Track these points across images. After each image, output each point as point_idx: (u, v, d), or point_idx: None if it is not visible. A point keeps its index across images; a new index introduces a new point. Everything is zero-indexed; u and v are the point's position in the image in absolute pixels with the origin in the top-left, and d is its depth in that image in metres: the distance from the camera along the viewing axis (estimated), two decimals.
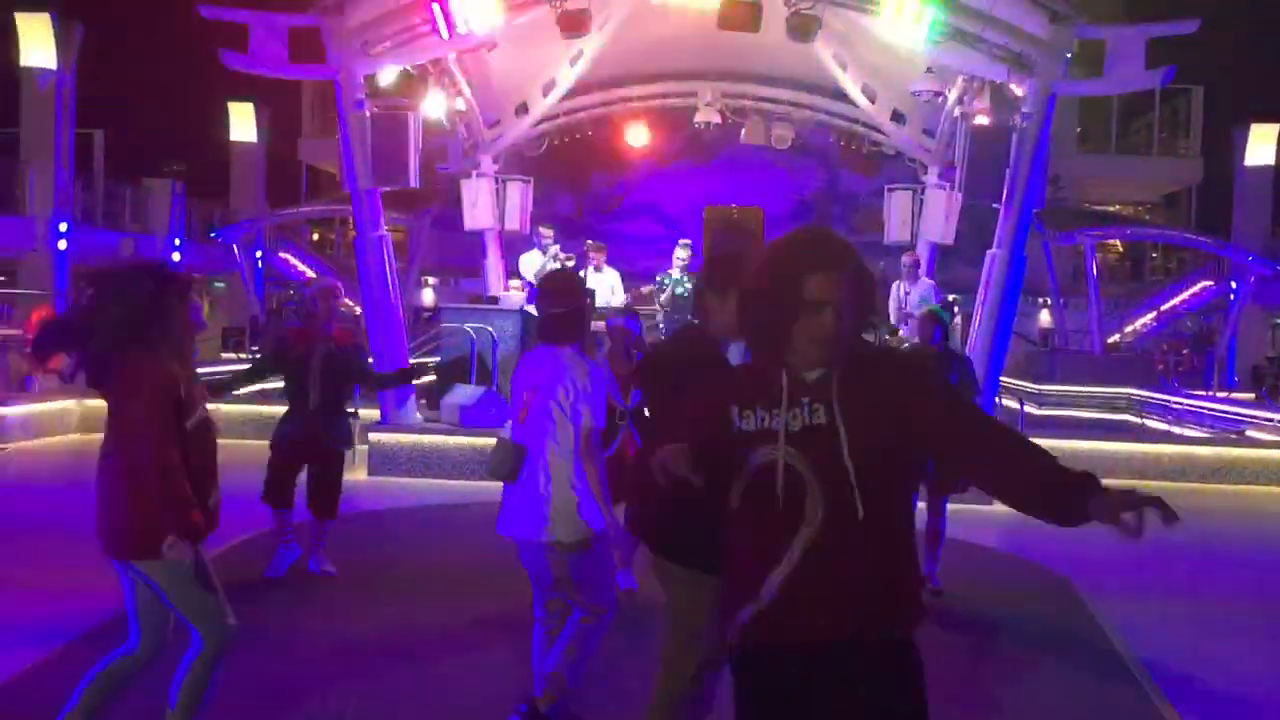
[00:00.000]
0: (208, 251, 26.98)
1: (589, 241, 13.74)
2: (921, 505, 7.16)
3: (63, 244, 21.38)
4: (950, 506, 9.42)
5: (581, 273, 14.33)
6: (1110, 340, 26.01)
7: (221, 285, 29.51)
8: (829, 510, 2.52)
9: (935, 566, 7.21)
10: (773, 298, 2.57)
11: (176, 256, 25.32)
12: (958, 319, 13.46)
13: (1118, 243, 33.10)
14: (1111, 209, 33.03)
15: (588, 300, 4.84)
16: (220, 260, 26.92)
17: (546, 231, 13.42)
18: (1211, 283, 26.61)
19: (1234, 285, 25.14)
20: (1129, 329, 27.48)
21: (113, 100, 30.86)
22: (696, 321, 3.92)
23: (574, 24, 10.71)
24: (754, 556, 2.60)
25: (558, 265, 13.13)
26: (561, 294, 4.49)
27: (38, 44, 21.05)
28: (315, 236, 35.52)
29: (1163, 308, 27.32)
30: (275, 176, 31.70)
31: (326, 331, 7.00)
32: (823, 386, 2.58)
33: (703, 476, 2.48)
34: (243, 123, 29.32)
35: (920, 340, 7.24)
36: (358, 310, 16.96)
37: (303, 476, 7.08)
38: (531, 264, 13.25)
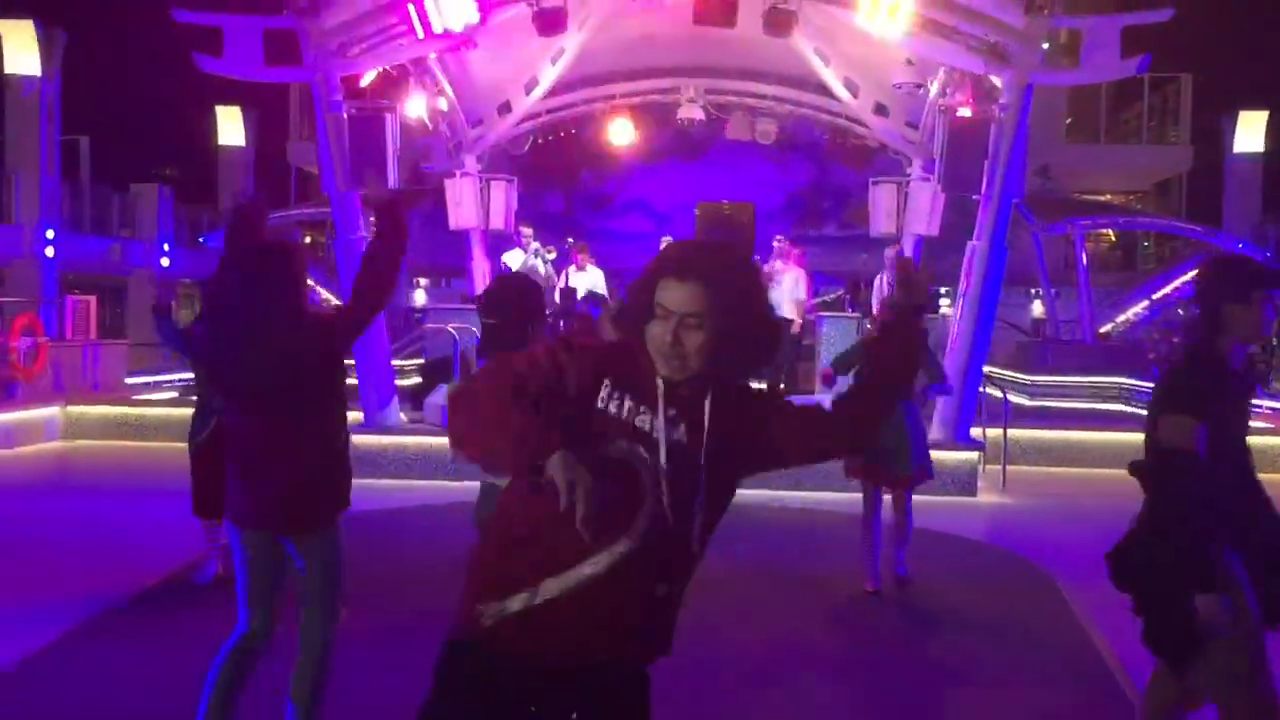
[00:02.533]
0: (197, 256, 26.93)
1: (570, 240, 13.73)
2: (886, 499, 7.15)
3: (50, 251, 21.37)
4: (935, 499, 9.49)
5: (565, 271, 14.35)
6: (1102, 330, 25.99)
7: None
8: (657, 531, 2.33)
9: (903, 553, 7.20)
10: (636, 293, 2.41)
11: (165, 262, 25.27)
12: (944, 310, 13.46)
13: (1109, 232, 33.08)
14: (1103, 198, 32.97)
15: (533, 305, 4.49)
16: (210, 265, 26.73)
17: (527, 230, 13.45)
18: None
19: None
20: (1121, 318, 27.45)
21: (99, 106, 30.82)
22: None
23: (551, 23, 10.67)
24: (542, 550, 2.33)
25: (539, 263, 13.15)
26: (494, 303, 4.33)
27: (21, 51, 21.03)
28: (307, 239, 35.47)
29: (1155, 296, 27.26)
30: (264, 179, 31.65)
31: None
32: (694, 404, 2.41)
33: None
34: (231, 127, 29.29)
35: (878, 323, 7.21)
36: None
37: None
38: (514, 263, 13.29)
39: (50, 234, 21.35)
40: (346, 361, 4.19)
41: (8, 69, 21.11)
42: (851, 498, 7.97)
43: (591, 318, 6.88)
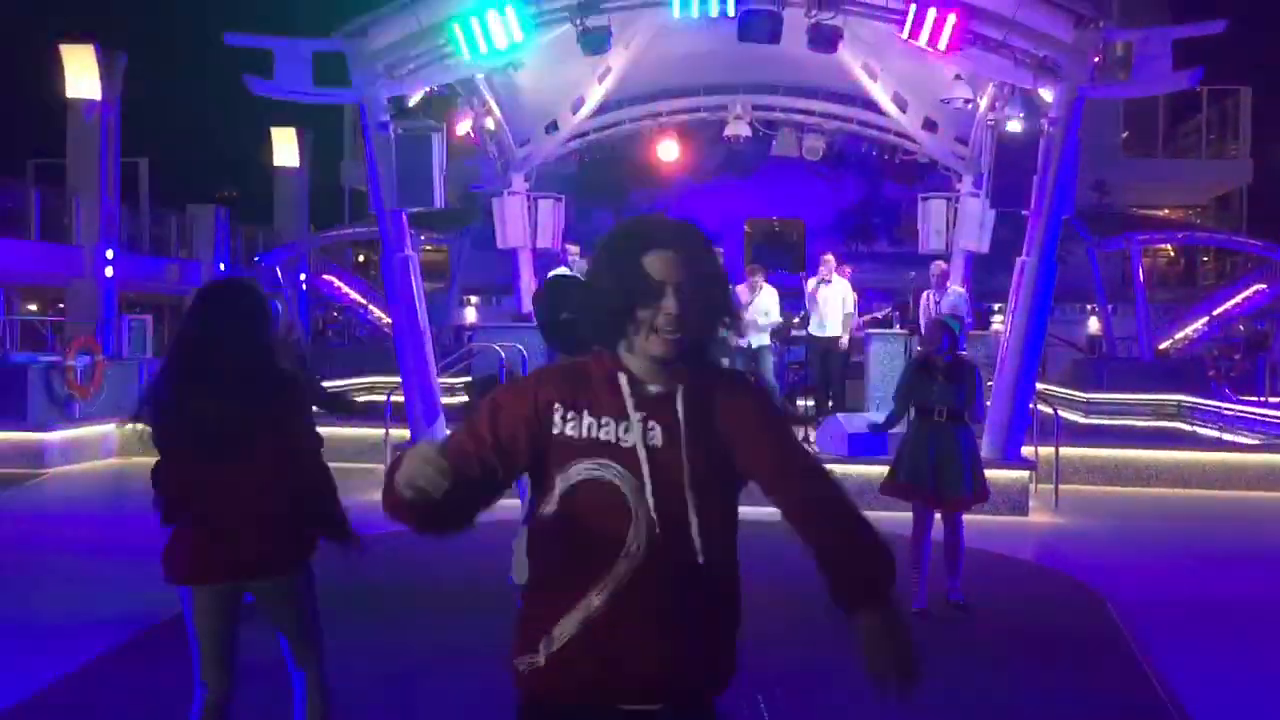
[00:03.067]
0: (252, 275, 27.32)
1: None
2: (937, 518, 7.03)
3: (109, 271, 21.74)
4: (985, 518, 9.33)
5: None
6: (1160, 346, 25.54)
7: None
8: (654, 545, 2.23)
9: (957, 581, 7.06)
10: (612, 280, 2.28)
11: None
12: (995, 326, 13.29)
13: (1168, 247, 32.54)
14: (1161, 213, 32.50)
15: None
16: (265, 284, 27.20)
17: (573, 248, 13.51)
18: (1264, 286, 26.04)
19: None
20: (1180, 335, 26.98)
21: (158, 128, 31.42)
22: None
23: (596, 42, 10.70)
24: (552, 590, 2.29)
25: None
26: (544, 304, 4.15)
27: (82, 75, 21.45)
28: (360, 258, 35.90)
29: (1215, 312, 26.76)
30: (318, 199, 32.09)
31: None
32: (665, 403, 2.30)
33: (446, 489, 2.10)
34: (285, 147, 29.68)
35: (929, 348, 7.10)
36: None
37: None
38: None
39: (110, 254, 21.73)
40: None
41: (69, 93, 21.56)
42: (894, 516, 7.86)
43: None
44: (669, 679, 2.28)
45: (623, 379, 2.31)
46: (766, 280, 13.18)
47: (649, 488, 2.25)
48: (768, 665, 5.93)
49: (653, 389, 2.31)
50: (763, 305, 12.85)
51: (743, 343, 12.73)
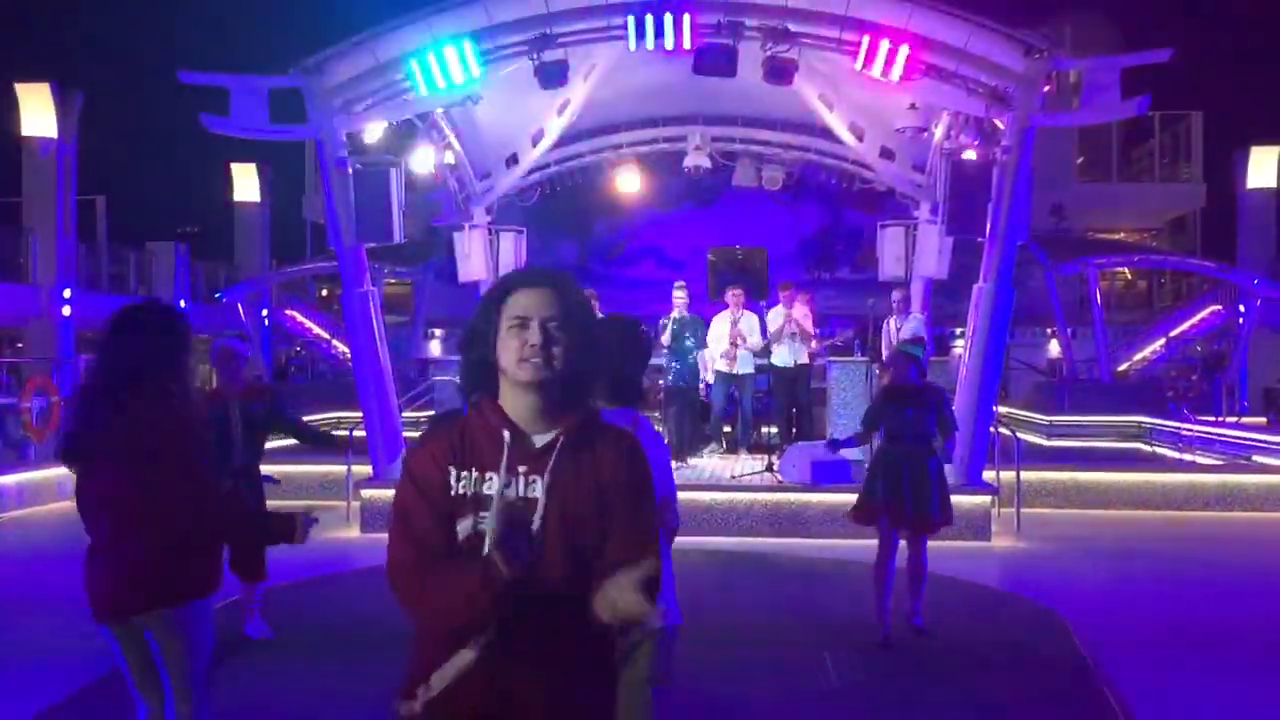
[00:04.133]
0: (213, 312, 27.11)
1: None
2: (902, 544, 7.06)
3: (67, 310, 21.53)
4: (949, 544, 9.37)
5: None
6: (1119, 368, 25.82)
7: (232, 336, 29.64)
8: (528, 596, 2.29)
9: (919, 604, 7.11)
10: (482, 322, 2.44)
11: None
12: (954, 352, 13.37)
13: (1125, 270, 32.96)
14: (1117, 237, 32.94)
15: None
16: (226, 320, 27.03)
17: None
18: (1220, 307, 26.43)
19: (1242, 309, 24.95)
20: (1138, 356, 27.29)
21: (115, 166, 31.19)
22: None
23: (553, 76, 10.73)
24: (432, 641, 2.40)
25: None
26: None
27: (38, 113, 21.32)
28: (324, 293, 35.72)
29: (1172, 334, 27.12)
30: (280, 234, 31.98)
31: (237, 390, 6.92)
32: (544, 456, 2.39)
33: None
34: (245, 183, 29.58)
35: (895, 378, 7.15)
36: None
37: None
38: None
39: (67, 293, 21.53)
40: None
41: (25, 131, 21.40)
42: (847, 544, 7.91)
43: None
44: None
45: (506, 435, 2.40)
46: (745, 305, 13.21)
47: (501, 538, 2.31)
48: (729, 699, 5.92)
49: (536, 440, 2.42)
50: (745, 329, 12.89)
51: (730, 370, 12.79)
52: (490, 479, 2.37)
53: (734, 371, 12.89)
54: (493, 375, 2.44)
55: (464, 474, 2.39)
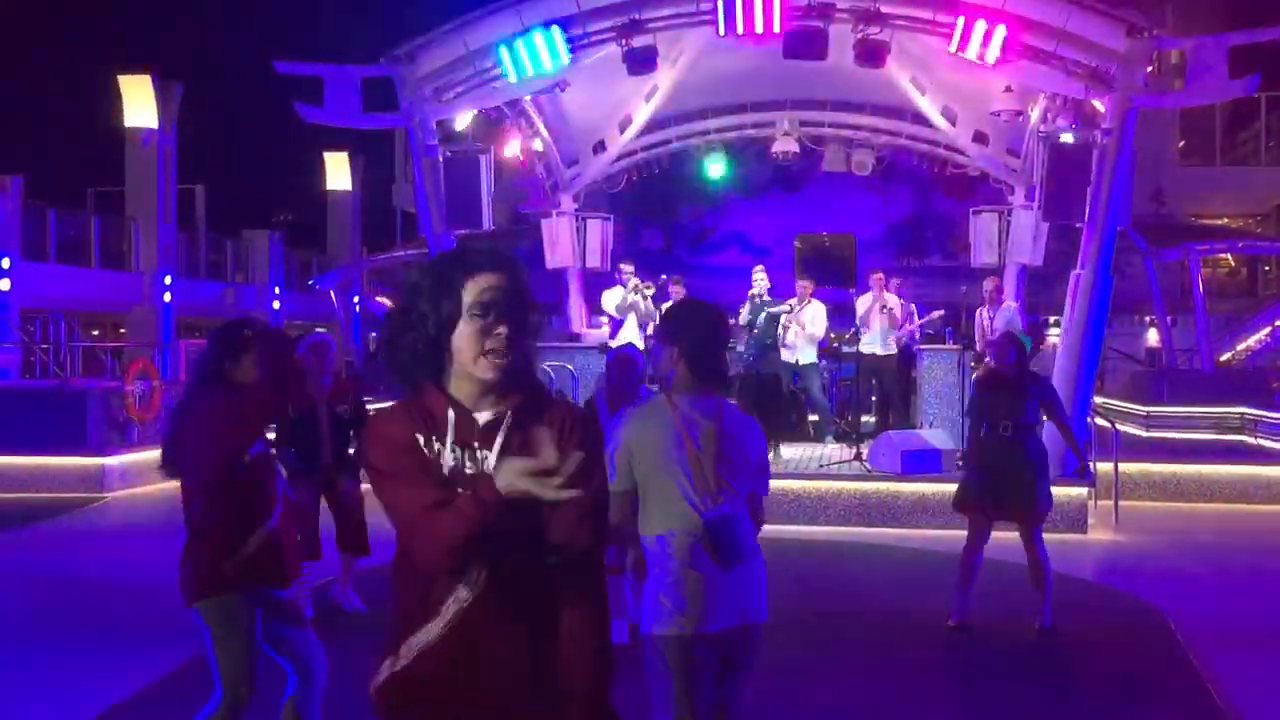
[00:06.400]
0: (306, 299, 27.65)
1: (664, 275, 13.70)
2: (1019, 543, 6.87)
3: (168, 297, 22.13)
4: (1043, 535, 9.14)
5: (662, 306, 14.30)
6: (1222, 358, 25.02)
7: (322, 331, 30.22)
8: (492, 573, 2.26)
9: (1048, 605, 6.83)
10: (432, 307, 2.28)
11: (276, 305, 25.98)
12: (1050, 341, 13.08)
13: (1228, 257, 31.93)
14: (1220, 222, 31.93)
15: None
16: (319, 307, 27.58)
17: (627, 267, 13.45)
18: None
19: None
20: (1241, 346, 26.43)
21: (213, 155, 31.95)
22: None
23: (641, 61, 10.72)
24: (406, 609, 2.34)
25: (639, 299, 13.14)
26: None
27: (139, 104, 21.91)
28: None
29: (1277, 322, 26.20)
30: (371, 222, 32.44)
31: (325, 387, 6.97)
32: (492, 431, 2.32)
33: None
34: (338, 172, 30.08)
35: (996, 363, 7.00)
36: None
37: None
38: (613, 299, 13.30)
39: (168, 280, 22.13)
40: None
41: (127, 122, 22.00)
42: (936, 534, 7.76)
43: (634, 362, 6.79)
44: (513, 700, 2.31)
45: (451, 413, 2.32)
46: (814, 295, 12.99)
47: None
48: (814, 693, 5.86)
49: (483, 417, 2.33)
50: (806, 319, 12.62)
51: (790, 358, 12.60)
52: (441, 451, 2.31)
53: (795, 361, 12.64)
54: (437, 357, 2.32)
55: (430, 440, 2.31)
